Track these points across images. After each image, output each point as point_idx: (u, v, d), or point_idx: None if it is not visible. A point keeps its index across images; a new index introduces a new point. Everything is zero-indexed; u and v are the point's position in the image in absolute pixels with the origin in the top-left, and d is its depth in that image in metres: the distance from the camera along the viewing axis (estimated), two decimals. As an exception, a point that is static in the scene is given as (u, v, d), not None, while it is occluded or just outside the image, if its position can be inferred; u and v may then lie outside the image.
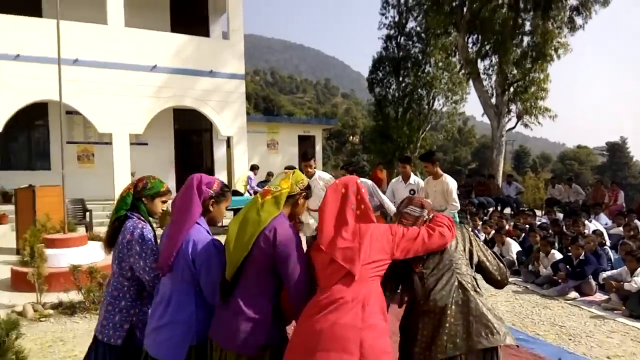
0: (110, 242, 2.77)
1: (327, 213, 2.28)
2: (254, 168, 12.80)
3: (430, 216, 2.48)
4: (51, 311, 5.05)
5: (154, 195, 2.85)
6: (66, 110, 12.85)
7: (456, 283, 2.30)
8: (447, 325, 2.22)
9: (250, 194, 11.79)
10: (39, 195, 8.02)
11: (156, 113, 13.33)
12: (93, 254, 6.37)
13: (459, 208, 6.06)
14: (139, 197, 2.81)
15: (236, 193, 11.79)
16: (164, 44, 13.45)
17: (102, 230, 9.29)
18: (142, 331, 2.57)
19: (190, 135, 17.11)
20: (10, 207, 9.48)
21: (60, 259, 5.93)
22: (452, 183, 5.86)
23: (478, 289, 2.35)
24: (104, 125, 12.65)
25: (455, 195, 5.84)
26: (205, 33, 15.46)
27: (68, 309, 5.10)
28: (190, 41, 13.92)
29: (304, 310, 2.18)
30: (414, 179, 6.33)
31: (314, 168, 5.70)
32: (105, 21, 12.54)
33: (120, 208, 2.76)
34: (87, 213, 10.00)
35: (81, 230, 8.47)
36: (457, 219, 6.17)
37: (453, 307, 2.25)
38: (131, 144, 13.15)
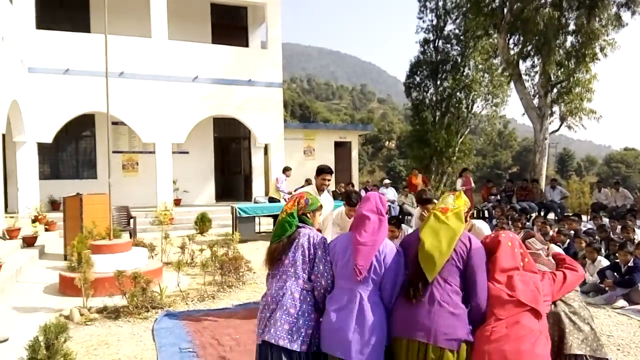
0: (274, 258, 2.87)
1: (501, 263, 2.67)
2: (285, 170, 12.55)
3: (548, 252, 3.01)
4: (96, 315, 5.23)
5: (315, 210, 3.06)
6: (112, 121, 13.37)
7: None
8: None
9: (285, 200, 11.83)
10: (86, 203, 8.33)
11: (197, 122, 13.69)
12: (137, 260, 6.57)
13: None
14: (303, 213, 2.98)
15: (272, 200, 11.91)
16: (205, 55, 13.82)
17: (145, 236, 9.59)
18: (316, 336, 2.71)
19: (230, 143, 17.47)
20: (59, 215, 9.90)
21: (105, 264, 6.14)
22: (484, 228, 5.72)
23: None
24: (147, 135, 13.08)
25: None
26: (245, 43, 15.81)
27: (112, 313, 5.27)
28: (230, 52, 14.25)
29: (490, 331, 2.48)
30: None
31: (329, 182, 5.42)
32: (150, 34, 13.01)
33: (287, 225, 2.88)
34: (131, 220, 10.32)
35: (126, 237, 8.73)
36: None
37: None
38: (173, 152, 13.54)
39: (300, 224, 2.91)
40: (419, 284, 2.54)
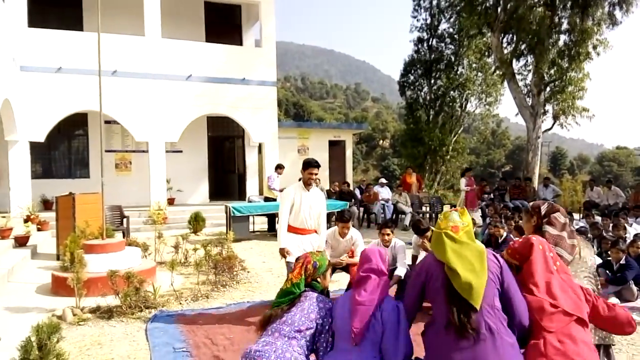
0: (269, 324, 2.72)
1: (537, 268, 2.55)
2: (278, 167, 12.28)
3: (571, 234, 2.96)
4: (89, 315, 5.21)
5: (325, 271, 2.95)
6: (105, 120, 13.31)
7: None
8: None
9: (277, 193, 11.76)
10: (79, 202, 8.27)
11: (191, 121, 13.64)
12: (130, 260, 6.55)
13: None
14: (313, 279, 2.86)
15: (268, 199, 11.89)
16: (198, 54, 13.76)
17: (138, 236, 9.55)
18: None
19: (224, 141, 17.44)
20: (51, 215, 9.82)
21: (98, 264, 6.10)
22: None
23: None
24: (141, 134, 13.02)
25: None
26: (239, 42, 15.77)
27: (105, 313, 5.25)
28: (224, 50, 14.20)
29: (544, 345, 2.33)
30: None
31: (317, 177, 5.09)
32: (143, 33, 12.94)
33: (289, 295, 2.76)
34: (125, 219, 10.28)
35: (119, 236, 8.70)
36: None
37: None
38: (167, 151, 13.49)
39: (307, 289, 2.78)
40: (470, 315, 2.26)
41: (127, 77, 12.72)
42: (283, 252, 4.97)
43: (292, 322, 2.63)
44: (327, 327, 2.69)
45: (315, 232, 5.18)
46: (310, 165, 4.99)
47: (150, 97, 13.02)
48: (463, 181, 13.86)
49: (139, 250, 7.20)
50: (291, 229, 5.07)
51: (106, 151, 13.92)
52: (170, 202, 14.30)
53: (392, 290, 5.67)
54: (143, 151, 13.87)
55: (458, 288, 2.33)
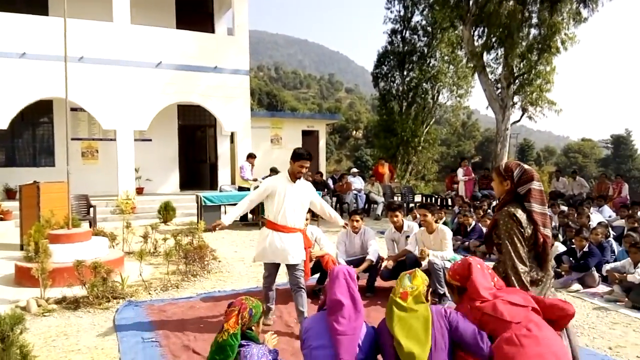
0: None
1: (480, 281, 2.66)
2: (249, 157, 12.17)
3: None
4: (55, 306, 5.09)
5: (260, 316, 2.83)
6: (71, 107, 12.92)
7: None
8: None
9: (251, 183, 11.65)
10: (44, 191, 8.04)
11: (161, 109, 13.37)
12: (97, 249, 6.40)
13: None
14: (248, 327, 2.72)
15: (242, 189, 11.77)
16: (169, 41, 13.46)
17: (105, 226, 9.35)
18: None
19: (195, 130, 17.17)
20: (15, 204, 9.55)
21: (64, 254, 5.95)
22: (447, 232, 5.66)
23: None
24: (108, 121, 12.69)
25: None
26: (211, 29, 15.51)
27: (72, 304, 5.13)
28: (195, 38, 13.93)
29: (514, 335, 2.43)
30: (408, 224, 6.04)
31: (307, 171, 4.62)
32: (111, 18, 12.57)
33: (229, 350, 2.56)
34: (91, 209, 10.05)
35: (85, 226, 8.51)
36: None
37: None
38: (135, 140, 13.20)
39: (242, 342, 2.60)
40: None
41: (94, 64, 12.35)
42: (216, 225, 4.56)
43: None
44: None
45: (300, 232, 4.54)
46: (301, 157, 4.39)
47: (118, 84, 12.69)
48: (460, 171, 13.74)
49: (106, 240, 7.05)
50: (271, 226, 4.46)
51: (72, 139, 13.58)
52: (139, 191, 14.04)
53: (365, 277, 5.77)
54: (111, 139, 13.55)
55: (403, 358, 2.44)
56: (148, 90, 13.07)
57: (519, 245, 2.81)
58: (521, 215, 2.84)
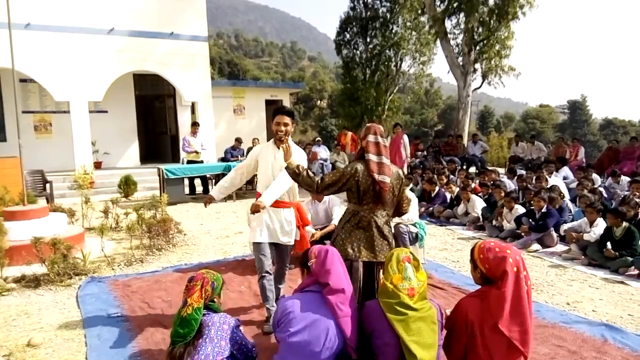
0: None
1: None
2: (193, 125, 11.72)
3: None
4: (14, 285, 4.90)
5: (221, 288, 2.80)
6: (20, 78, 12.23)
7: None
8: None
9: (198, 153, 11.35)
10: (-5, 167, 7.67)
11: (115, 79, 12.80)
12: (55, 226, 6.17)
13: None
14: (211, 299, 2.72)
15: (191, 162, 11.41)
16: (121, 5, 12.78)
17: (63, 202, 9.03)
18: None
19: (153, 101, 16.61)
20: (-36, 181, 9.06)
21: (21, 231, 5.71)
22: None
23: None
24: (60, 93, 12.09)
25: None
26: (164, -7, 14.78)
27: (32, 282, 4.95)
28: (149, 1, 13.27)
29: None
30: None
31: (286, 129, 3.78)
32: (56, -18, 11.81)
33: (194, 323, 2.56)
34: (47, 184, 9.65)
35: (42, 203, 8.17)
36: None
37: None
38: (90, 112, 12.66)
39: (205, 312, 2.65)
40: None
41: (42, 31, 11.63)
42: (207, 201, 4.17)
43: (206, 357, 2.48)
44: (242, 342, 2.65)
45: (293, 206, 4.03)
46: (277, 112, 3.81)
47: (69, 52, 12.04)
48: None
49: (64, 216, 6.79)
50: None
51: (23, 112, 12.91)
52: (97, 165, 13.57)
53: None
54: (64, 112, 12.94)
55: None
56: (101, 58, 12.47)
57: (327, 179, 3.21)
58: (360, 167, 3.17)
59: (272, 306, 3.78)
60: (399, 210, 3.44)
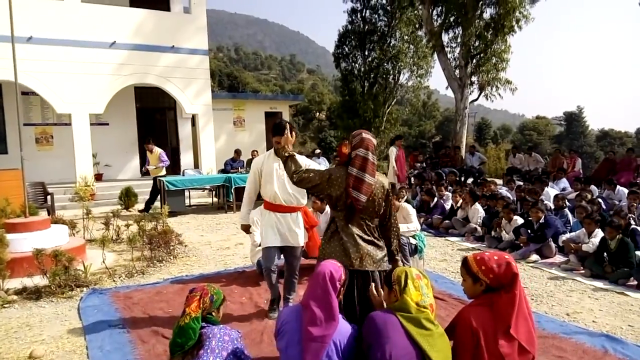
0: None
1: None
2: (146, 143, 10.84)
3: None
4: (15, 297, 4.91)
5: (221, 303, 2.79)
6: (22, 90, 12.29)
7: None
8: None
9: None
10: (-4, 179, 7.71)
11: (117, 91, 12.92)
12: (57, 238, 6.19)
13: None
14: (208, 312, 2.70)
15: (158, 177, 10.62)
16: (123, 20, 12.96)
17: (64, 213, 9.06)
18: None
19: (153, 114, 16.68)
20: (-34, 193, 9.08)
21: (22, 243, 5.74)
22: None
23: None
24: (62, 105, 12.19)
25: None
26: (166, 7, 14.96)
27: (33, 294, 4.97)
28: (150, 16, 13.46)
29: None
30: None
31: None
32: (59, -4, 11.98)
33: (192, 333, 2.55)
34: (49, 196, 9.69)
35: (43, 214, 8.21)
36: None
37: None
38: (91, 124, 12.75)
39: (203, 324, 2.64)
40: None
41: (44, 44, 11.78)
42: (243, 229, 4.60)
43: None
44: (242, 355, 2.63)
45: (299, 210, 4.37)
46: (275, 131, 3.89)
47: (71, 65, 12.16)
48: (393, 150, 13.64)
49: (65, 227, 6.82)
50: (267, 206, 4.30)
51: (25, 125, 12.99)
52: (98, 177, 13.62)
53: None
54: (66, 124, 13.03)
55: None
56: (102, 71, 12.59)
57: (305, 174, 3.14)
58: (338, 174, 3.08)
59: (277, 294, 4.28)
60: (386, 223, 3.25)
